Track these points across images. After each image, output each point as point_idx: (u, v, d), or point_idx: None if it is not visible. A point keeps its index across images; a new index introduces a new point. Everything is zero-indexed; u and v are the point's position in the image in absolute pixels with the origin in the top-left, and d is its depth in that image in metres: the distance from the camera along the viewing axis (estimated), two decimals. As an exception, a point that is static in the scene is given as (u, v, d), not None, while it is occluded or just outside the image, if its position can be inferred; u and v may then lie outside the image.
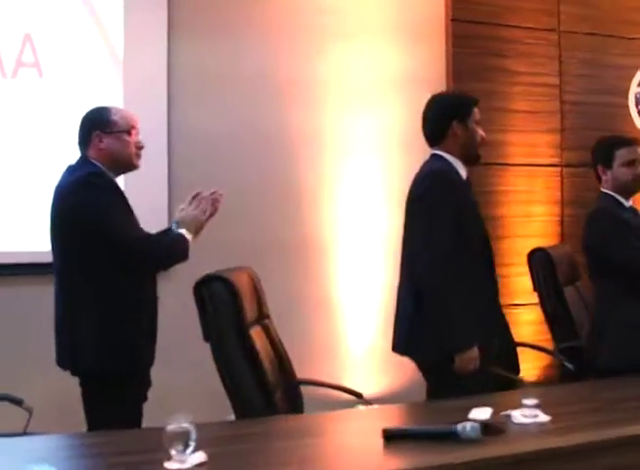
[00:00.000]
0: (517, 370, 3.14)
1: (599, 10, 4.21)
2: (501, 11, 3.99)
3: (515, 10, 4.02)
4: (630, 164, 2.71)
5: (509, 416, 1.99)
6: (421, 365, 2.50)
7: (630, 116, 4.27)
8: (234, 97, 3.55)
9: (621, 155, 2.72)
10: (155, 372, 2.39)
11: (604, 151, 2.77)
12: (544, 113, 4.07)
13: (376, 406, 2.76)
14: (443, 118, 2.50)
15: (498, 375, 2.68)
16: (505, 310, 3.81)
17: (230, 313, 2.27)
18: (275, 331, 2.64)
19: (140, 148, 2.37)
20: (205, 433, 1.59)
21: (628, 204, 2.76)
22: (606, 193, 2.77)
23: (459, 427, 1.82)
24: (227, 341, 2.25)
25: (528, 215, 4.03)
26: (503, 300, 3.81)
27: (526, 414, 1.98)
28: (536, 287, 3.31)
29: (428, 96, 3.92)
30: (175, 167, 3.44)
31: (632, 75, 4.29)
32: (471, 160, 2.54)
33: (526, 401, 1.98)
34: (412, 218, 2.46)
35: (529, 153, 4.02)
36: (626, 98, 4.28)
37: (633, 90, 4.29)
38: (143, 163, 2.41)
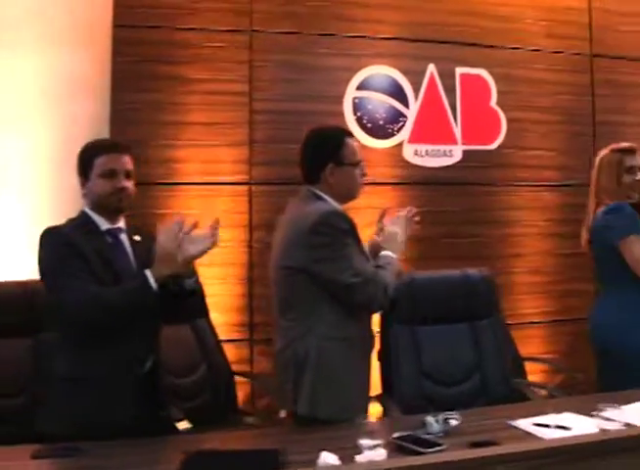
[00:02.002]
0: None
1: (304, 6, 3.69)
2: (175, 13, 3.52)
3: (193, 11, 3.55)
4: (107, 175, 2.17)
5: None
6: None
7: (346, 124, 3.68)
8: None
9: (100, 163, 2.19)
10: None
11: (83, 159, 2.24)
12: (229, 124, 3.55)
13: None
14: None
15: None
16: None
17: None
18: None
19: None
20: None
21: (109, 225, 2.22)
22: (83, 211, 2.24)
23: None
24: None
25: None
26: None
27: None
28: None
29: (92, 109, 3.59)
30: None
31: (349, 78, 3.73)
32: None
33: None
34: None
35: (210, 170, 3.50)
36: (341, 104, 3.71)
37: (351, 95, 3.72)
38: None
